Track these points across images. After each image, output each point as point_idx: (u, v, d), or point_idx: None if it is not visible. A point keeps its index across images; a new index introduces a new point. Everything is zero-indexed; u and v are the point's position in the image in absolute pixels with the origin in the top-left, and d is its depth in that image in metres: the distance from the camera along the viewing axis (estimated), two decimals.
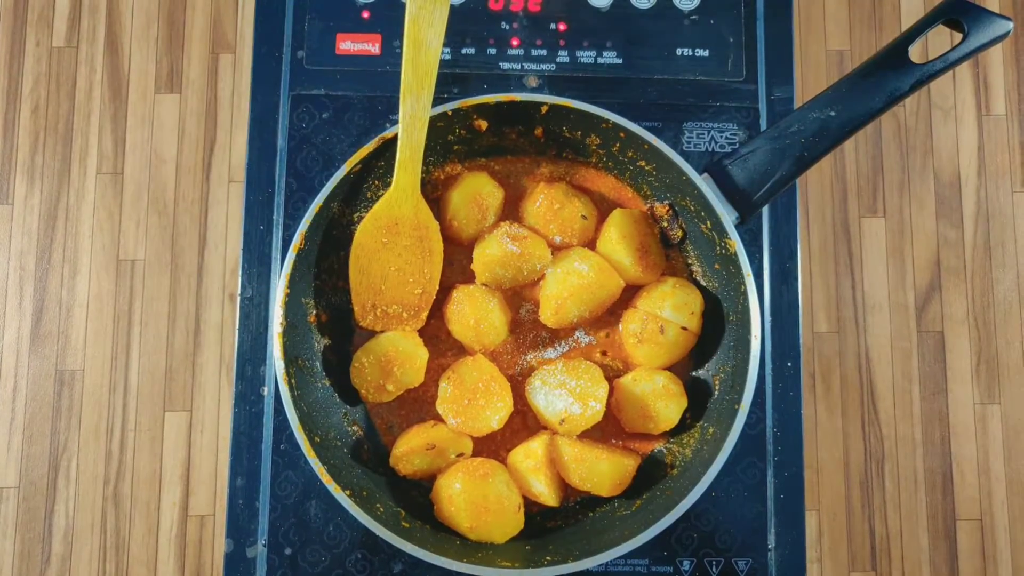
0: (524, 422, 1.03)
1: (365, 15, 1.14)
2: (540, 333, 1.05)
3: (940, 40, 1.78)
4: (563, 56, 1.14)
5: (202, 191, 1.75)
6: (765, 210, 1.11)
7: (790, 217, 1.12)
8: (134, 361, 1.72)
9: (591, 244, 1.04)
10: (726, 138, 1.12)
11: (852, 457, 1.70)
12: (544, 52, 1.14)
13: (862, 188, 1.77)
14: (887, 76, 0.94)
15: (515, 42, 1.14)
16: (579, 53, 1.14)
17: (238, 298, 1.09)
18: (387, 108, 1.12)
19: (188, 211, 1.74)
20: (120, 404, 1.72)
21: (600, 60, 1.14)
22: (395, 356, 0.99)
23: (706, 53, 1.15)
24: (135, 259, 1.74)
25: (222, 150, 1.76)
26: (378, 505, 0.94)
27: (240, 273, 1.09)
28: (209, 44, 1.79)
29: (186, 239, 1.75)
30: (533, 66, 1.14)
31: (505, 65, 1.14)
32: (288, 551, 1.03)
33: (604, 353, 1.05)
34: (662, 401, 0.99)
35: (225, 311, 1.72)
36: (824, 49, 1.80)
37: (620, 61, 1.14)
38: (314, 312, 1.01)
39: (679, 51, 1.15)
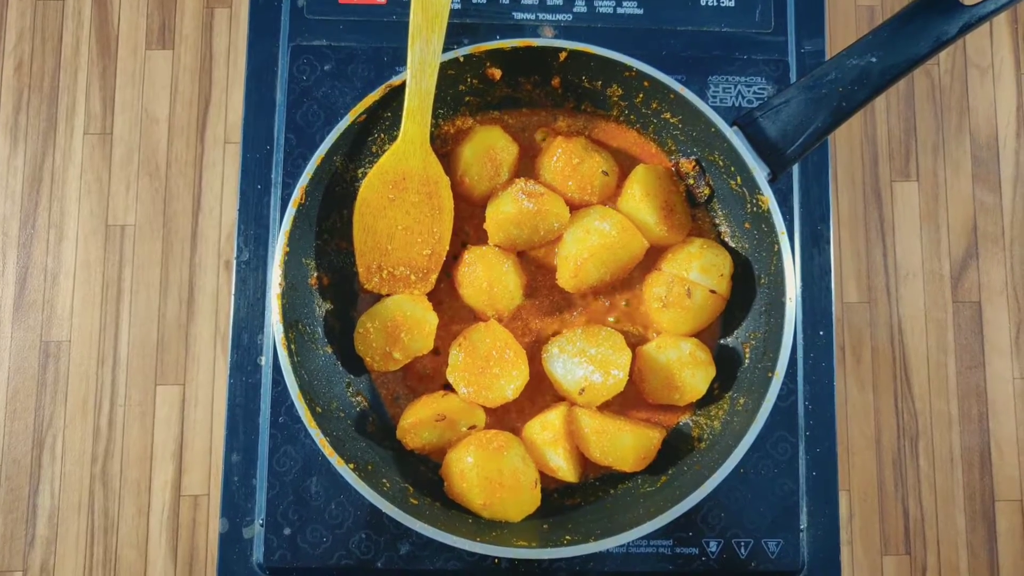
0: (540, 392, 0.98)
1: None
2: (557, 297, 0.99)
3: None
4: (580, 5, 1.08)
5: (196, 152, 1.69)
6: (795, 169, 1.06)
7: (821, 176, 1.06)
8: (124, 332, 1.66)
9: (612, 202, 0.99)
10: (754, 92, 1.06)
11: (884, 434, 1.64)
12: (560, 1, 1.08)
13: (894, 150, 1.70)
14: (933, 19, 0.88)
15: None
16: (597, 2, 1.08)
17: (234, 263, 1.03)
18: (393, 60, 1.06)
19: (181, 174, 1.68)
20: (109, 377, 1.66)
21: (620, 10, 1.09)
22: (402, 321, 0.93)
23: (732, 3, 1.09)
24: (125, 224, 1.68)
25: (217, 109, 1.69)
26: (384, 480, 0.89)
27: (236, 235, 1.03)
28: None
29: (179, 203, 1.68)
30: (548, 16, 1.08)
31: (519, 15, 1.08)
32: (287, 531, 0.97)
33: (626, 318, 0.99)
34: (688, 370, 0.93)
35: (220, 279, 1.66)
36: (854, 4, 1.74)
37: (641, 11, 1.09)
38: (315, 274, 0.95)
39: (703, 1, 1.09)
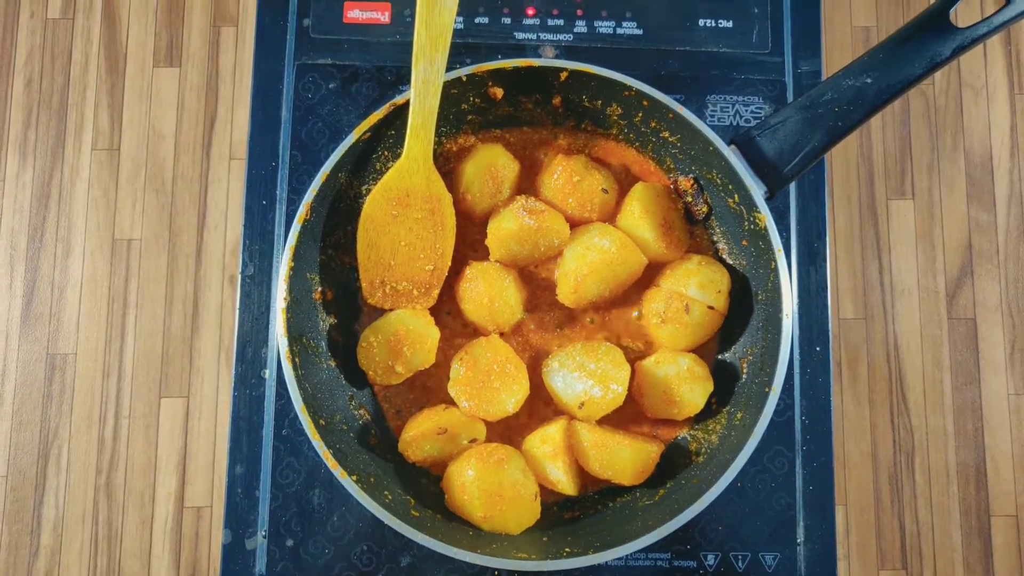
0: (540, 406, 0.99)
1: None
2: (557, 313, 1.00)
3: (971, 10, 1.74)
4: (580, 26, 1.10)
5: (202, 168, 1.70)
6: (792, 187, 1.07)
7: (818, 194, 1.07)
8: (129, 345, 1.67)
9: (611, 219, 1.00)
10: (751, 112, 1.07)
11: (881, 450, 1.65)
12: (561, 22, 1.10)
13: (889, 169, 1.72)
14: (927, 40, 0.89)
15: (531, 11, 1.10)
16: (597, 23, 1.10)
17: (239, 278, 1.04)
18: (397, 79, 1.07)
19: (187, 189, 1.69)
20: (114, 390, 1.66)
21: (619, 30, 1.10)
22: (405, 336, 0.94)
23: (730, 24, 1.10)
24: (131, 238, 1.69)
25: (223, 126, 1.71)
26: (386, 492, 0.89)
27: (241, 250, 1.04)
28: (211, 16, 1.75)
29: (184, 218, 1.69)
30: (549, 36, 1.09)
31: (520, 35, 1.09)
32: (290, 542, 0.98)
33: (625, 334, 1.00)
34: (687, 385, 0.94)
35: (225, 293, 1.67)
36: (850, 25, 1.75)
37: (640, 32, 1.10)
38: (319, 289, 0.96)
39: (701, 22, 1.10)
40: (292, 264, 0.90)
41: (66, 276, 1.68)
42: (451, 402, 0.96)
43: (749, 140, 0.93)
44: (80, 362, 1.67)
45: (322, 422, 0.89)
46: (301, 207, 0.91)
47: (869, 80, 0.90)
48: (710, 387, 0.96)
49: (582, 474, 0.96)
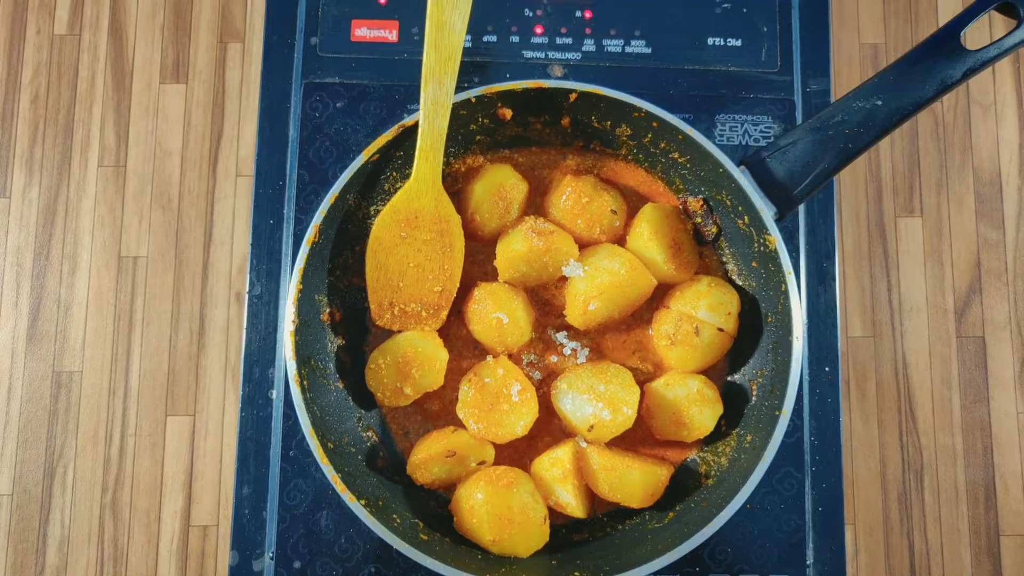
0: (549, 428, 0.98)
1: (382, 0, 1.09)
2: (567, 334, 1.00)
3: (979, 32, 1.74)
4: (589, 45, 1.10)
5: (208, 185, 1.70)
6: (801, 208, 1.07)
7: (827, 215, 1.07)
8: (135, 363, 1.66)
9: (621, 241, 1.00)
10: (760, 131, 1.07)
11: (889, 468, 1.64)
12: (569, 40, 1.10)
13: (898, 187, 1.72)
14: (938, 63, 0.89)
15: (539, 30, 1.10)
16: (606, 42, 1.10)
17: (245, 297, 1.04)
18: (405, 97, 1.07)
19: (193, 206, 1.69)
20: (120, 408, 1.65)
21: (628, 49, 1.10)
22: (413, 357, 0.94)
23: (739, 43, 1.10)
24: (137, 256, 1.68)
25: (229, 143, 1.70)
26: (395, 516, 0.89)
27: (248, 270, 1.04)
28: (217, 32, 1.74)
29: (191, 235, 1.69)
30: (558, 55, 1.09)
31: (528, 54, 1.09)
32: (297, 564, 0.98)
33: (634, 355, 1.00)
34: (696, 407, 0.94)
35: (231, 311, 1.67)
36: (858, 42, 1.75)
37: (649, 50, 1.10)
38: (327, 310, 0.96)
39: (710, 40, 1.10)
40: (300, 286, 0.90)
41: (72, 293, 1.68)
42: (459, 424, 0.95)
43: (759, 161, 0.92)
44: (86, 380, 1.66)
45: (330, 445, 0.89)
46: (310, 229, 0.90)
47: (879, 102, 0.90)
48: (720, 409, 0.95)
49: (591, 497, 0.96)
